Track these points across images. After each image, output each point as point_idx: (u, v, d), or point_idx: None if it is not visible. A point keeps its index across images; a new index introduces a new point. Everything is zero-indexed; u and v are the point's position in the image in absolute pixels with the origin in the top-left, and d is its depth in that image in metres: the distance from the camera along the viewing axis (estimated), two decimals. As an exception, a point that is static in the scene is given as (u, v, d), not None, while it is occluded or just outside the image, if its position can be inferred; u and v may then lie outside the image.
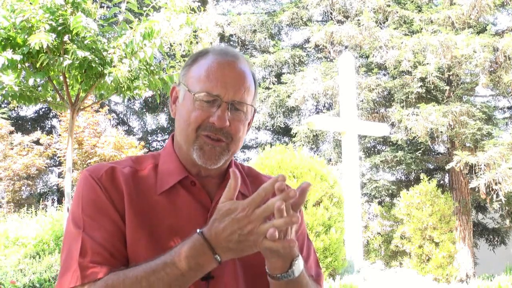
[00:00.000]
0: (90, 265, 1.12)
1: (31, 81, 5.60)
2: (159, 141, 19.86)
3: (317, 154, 12.28)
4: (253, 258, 1.21)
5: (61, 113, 12.21)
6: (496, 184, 10.33)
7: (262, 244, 1.03)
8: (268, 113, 13.97)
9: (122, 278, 1.10)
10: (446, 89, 12.08)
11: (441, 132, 11.10)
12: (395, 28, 12.26)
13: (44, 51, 5.44)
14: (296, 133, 13.38)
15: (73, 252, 1.15)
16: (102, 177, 1.21)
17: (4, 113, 11.94)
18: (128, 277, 1.10)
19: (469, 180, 11.69)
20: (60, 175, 14.46)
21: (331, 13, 13.71)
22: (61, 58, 5.44)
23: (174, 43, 6.16)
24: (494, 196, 10.60)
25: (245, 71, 1.26)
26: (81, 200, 1.20)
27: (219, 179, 1.29)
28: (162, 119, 19.91)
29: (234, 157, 1.36)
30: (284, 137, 17.10)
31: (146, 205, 1.21)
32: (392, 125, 11.81)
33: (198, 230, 1.07)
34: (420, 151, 12.35)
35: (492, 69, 11.65)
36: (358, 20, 12.38)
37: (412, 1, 12.99)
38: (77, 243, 1.16)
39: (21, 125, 17.12)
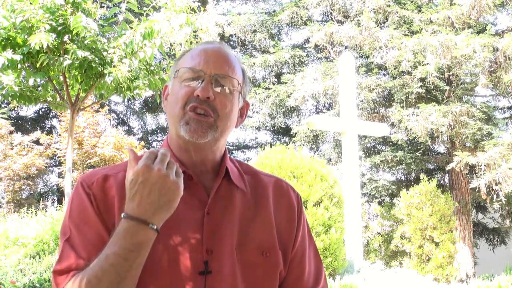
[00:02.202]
0: (64, 274, 1.13)
1: (31, 81, 5.60)
2: (159, 141, 19.85)
3: (317, 154, 12.28)
4: (252, 256, 1.23)
5: (61, 113, 12.21)
6: (496, 184, 10.33)
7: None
8: (268, 113, 13.97)
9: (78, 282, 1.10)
10: (446, 89, 12.08)
11: (441, 132, 11.10)
12: (395, 28, 12.26)
13: (44, 51, 5.44)
14: (296, 133, 13.38)
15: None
16: (93, 185, 1.21)
17: (4, 113, 11.94)
18: (82, 281, 1.10)
19: (469, 180, 11.69)
20: (60, 175, 14.45)
21: (331, 13, 13.72)
22: (61, 58, 5.44)
23: (174, 43, 6.16)
24: (495, 196, 10.60)
25: (230, 54, 1.30)
26: (70, 208, 1.22)
27: (214, 174, 1.28)
28: (162, 119, 19.91)
29: (234, 156, 1.36)
30: (284, 137, 17.09)
31: None
32: (392, 125, 11.81)
33: (122, 215, 1.10)
34: (420, 151, 12.35)
35: (492, 69, 11.64)
36: (358, 20, 12.38)
37: (412, 1, 12.99)
38: (60, 249, 1.18)
39: (21, 125, 17.11)
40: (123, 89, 5.89)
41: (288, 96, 13.12)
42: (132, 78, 5.87)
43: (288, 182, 1.40)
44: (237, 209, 1.26)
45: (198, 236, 1.19)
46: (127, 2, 5.94)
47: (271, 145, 8.65)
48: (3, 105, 12.51)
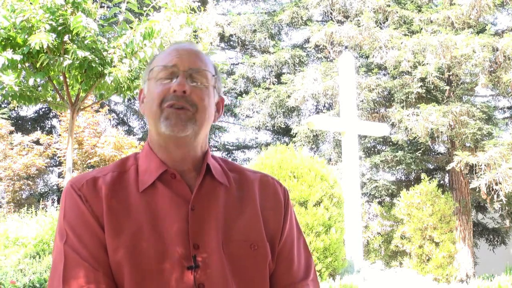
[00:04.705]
0: (71, 279, 1.15)
1: (31, 81, 5.60)
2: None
3: (317, 154, 12.27)
4: (240, 250, 1.24)
5: (61, 113, 12.20)
6: (496, 184, 10.32)
7: None
8: (268, 113, 13.96)
9: None
10: (446, 89, 12.08)
11: (441, 132, 11.09)
12: (395, 28, 12.26)
13: (44, 51, 5.44)
14: (296, 133, 13.38)
15: (57, 264, 1.19)
16: (83, 187, 1.24)
17: (4, 113, 11.94)
18: None
19: (469, 180, 11.68)
20: (60, 175, 14.45)
21: (331, 13, 13.71)
22: (61, 58, 5.44)
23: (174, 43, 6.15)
24: (495, 196, 10.60)
25: (200, 51, 1.33)
26: (64, 212, 1.23)
27: (196, 173, 1.29)
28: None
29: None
30: (284, 137, 17.08)
31: (128, 207, 1.23)
32: (392, 125, 11.81)
33: None
34: (420, 151, 12.35)
35: (491, 69, 11.64)
36: (358, 20, 12.37)
37: (412, 1, 12.99)
38: (60, 255, 1.19)
39: (21, 125, 17.11)
40: (123, 89, 5.89)
41: (288, 96, 13.11)
42: (132, 78, 5.87)
43: (274, 177, 1.41)
44: (222, 204, 1.27)
45: (184, 232, 1.21)
46: (127, 2, 5.93)
47: (271, 145, 8.65)
48: (3, 105, 12.51)
